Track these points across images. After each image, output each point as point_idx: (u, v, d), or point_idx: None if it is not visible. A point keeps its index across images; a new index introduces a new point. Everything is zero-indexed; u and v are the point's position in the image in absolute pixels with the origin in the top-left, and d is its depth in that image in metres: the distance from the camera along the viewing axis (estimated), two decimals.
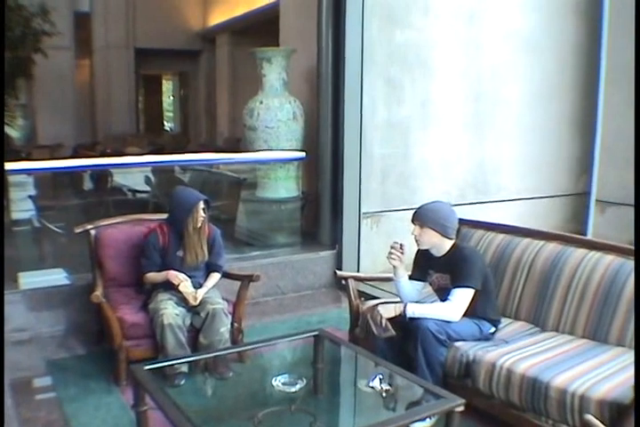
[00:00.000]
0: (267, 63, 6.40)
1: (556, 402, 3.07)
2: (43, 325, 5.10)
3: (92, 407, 3.86)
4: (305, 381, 3.32)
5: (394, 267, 3.91)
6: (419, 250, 3.92)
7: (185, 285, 4.15)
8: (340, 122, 6.09)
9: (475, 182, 6.85)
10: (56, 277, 5.49)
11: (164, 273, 4.22)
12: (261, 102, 6.44)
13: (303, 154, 6.50)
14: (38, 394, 4.12)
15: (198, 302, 4.14)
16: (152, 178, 8.56)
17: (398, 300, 4.08)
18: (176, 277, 4.14)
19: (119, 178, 8.77)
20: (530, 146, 7.09)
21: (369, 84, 6.06)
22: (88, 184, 9.09)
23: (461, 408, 2.84)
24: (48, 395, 4.08)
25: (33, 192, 6.86)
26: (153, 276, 4.26)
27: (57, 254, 6.35)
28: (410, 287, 3.97)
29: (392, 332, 3.62)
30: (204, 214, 4.27)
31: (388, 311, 3.67)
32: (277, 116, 6.37)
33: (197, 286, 4.28)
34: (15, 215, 5.87)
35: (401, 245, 3.85)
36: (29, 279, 5.35)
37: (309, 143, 6.63)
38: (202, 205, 4.27)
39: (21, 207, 6.43)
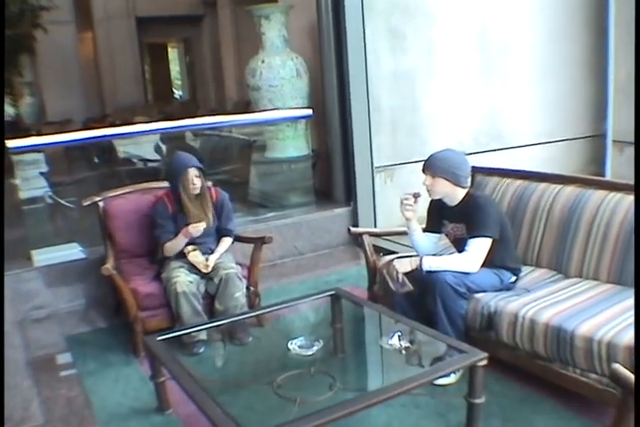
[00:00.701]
0: (265, 20, 6.24)
1: (582, 351, 2.96)
2: (60, 301, 5.07)
3: (111, 380, 3.83)
4: (322, 342, 3.24)
5: (407, 219, 3.79)
6: (432, 201, 3.78)
7: (194, 254, 4.08)
8: (345, 76, 5.93)
9: (488, 129, 6.68)
10: (71, 251, 5.44)
11: (179, 237, 4.12)
12: (263, 61, 6.29)
13: (310, 111, 6.35)
14: (58, 371, 4.06)
15: (210, 268, 4.06)
16: (162, 146, 8.48)
17: (415, 254, 3.98)
18: (187, 231, 4.04)
19: (129, 148, 8.69)
20: (543, 89, 6.88)
21: (371, 35, 5.89)
22: (99, 157, 9.04)
23: (484, 362, 2.75)
24: (68, 371, 4.04)
25: (44, 169, 6.79)
26: (171, 245, 4.15)
27: (71, 229, 6.32)
28: (425, 240, 3.86)
29: (409, 287, 3.52)
30: (196, 181, 4.14)
31: (403, 266, 3.57)
32: (280, 74, 6.23)
33: (209, 251, 4.21)
34: (27, 193, 5.81)
35: (414, 194, 3.70)
36: (44, 256, 5.29)
37: (316, 100, 6.48)
38: (193, 172, 4.13)
39: (33, 185, 6.37)
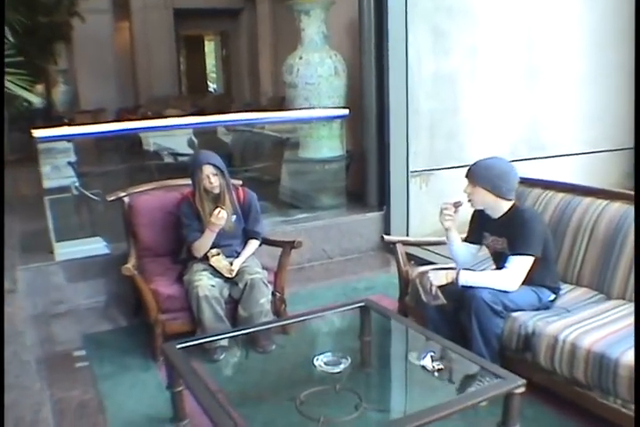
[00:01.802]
0: (305, 16, 6.11)
1: (626, 381, 2.76)
2: (80, 296, 4.99)
3: (127, 386, 3.70)
4: (349, 359, 3.07)
5: (446, 229, 3.62)
6: (475, 210, 3.61)
7: (217, 258, 3.93)
8: (384, 76, 5.77)
9: (528, 137, 6.49)
10: (94, 246, 5.34)
11: (205, 234, 3.95)
12: (301, 58, 6.16)
13: (346, 111, 6.21)
14: (73, 371, 3.94)
15: (235, 273, 3.92)
16: (193, 140, 8.38)
17: (451, 265, 3.82)
18: (211, 224, 3.89)
19: (161, 141, 8.59)
20: (585, 97, 6.67)
21: (414, 35, 5.72)
22: (129, 149, 8.95)
23: (522, 389, 2.56)
24: (83, 372, 3.92)
25: (73, 158, 6.70)
26: (199, 244, 3.99)
27: (95, 223, 6.22)
28: (464, 251, 3.70)
29: (442, 300, 3.35)
30: (213, 180, 3.97)
31: (438, 278, 3.39)
32: (318, 72, 6.10)
33: (234, 254, 4.07)
34: (52, 183, 5.71)
35: (455, 203, 3.53)
36: (66, 250, 5.19)
37: (353, 99, 6.33)
38: (208, 169, 3.96)
39: (60, 174, 6.27)
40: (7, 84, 3.86)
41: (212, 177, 3.96)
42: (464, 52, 6.04)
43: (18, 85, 3.87)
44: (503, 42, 6.20)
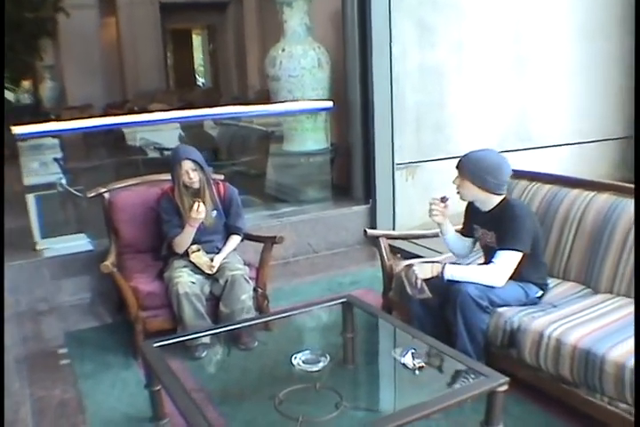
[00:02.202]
0: (287, 8, 6.03)
1: (612, 378, 2.69)
2: (64, 294, 4.95)
3: (107, 384, 3.64)
4: (328, 357, 3.01)
5: (437, 224, 3.56)
6: (468, 202, 3.55)
7: (197, 255, 3.86)
8: (369, 68, 5.69)
9: (516, 128, 6.43)
10: (77, 243, 5.28)
11: (185, 230, 3.88)
12: (283, 50, 6.08)
13: (330, 103, 6.14)
14: (54, 370, 3.87)
15: (215, 269, 3.85)
16: (180, 135, 8.30)
17: (437, 259, 3.79)
18: (191, 220, 3.81)
19: (148, 136, 8.52)
20: (574, 88, 6.62)
21: (398, 27, 5.65)
22: (116, 144, 8.88)
23: (505, 388, 2.50)
24: (64, 371, 3.86)
25: (59, 154, 6.63)
26: (180, 239, 3.92)
27: (79, 219, 6.15)
28: (458, 242, 3.66)
29: (428, 293, 3.27)
30: (193, 175, 3.89)
31: (424, 271, 3.32)
32: (301, 64, 6.01)
33: (215, 250, 4.00)
34: (37, 179, 5.64)
35: (442, 198, 3.46)
36: (49, 246, 5.16)
37: (337, 92, 6.25)
38: (187, 164, 3.88)
39: (46, 171, 6.20)
40: None
41: (191, 172, 3.89)
42: (450, 45, 5.97)
43: None
44: (490, 34, 6.13)
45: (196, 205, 3.78)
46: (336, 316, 3.53)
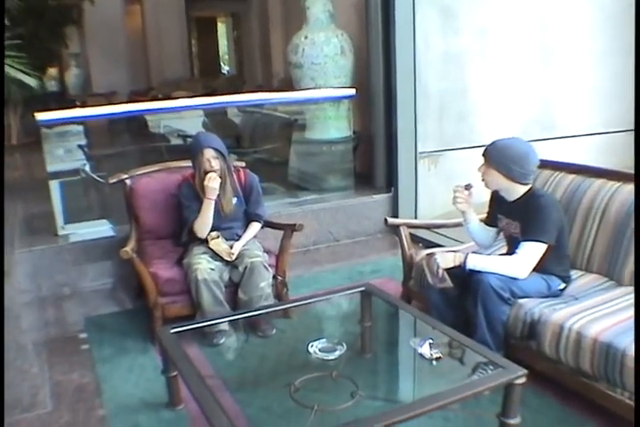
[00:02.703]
0: None
1: (633, 372, 2.64)
2: (85, 279, 4.95)
3: (125, 369, 3.66)
4: (345, 346, 3.00)
5: (461, 212, 3.52)
6: (493, 191, 3.49)
7: (216, 242, 3.86)
8: (391, 56, 5.64)
9: (541, 117, 6.35)
10: (99, 228, 5.29)
11: (203, 207, 3.89)
12: (306, 37, 6.03)
13: (353, 91, 6.08)
14: (73, 354, 3.89)
15: (235, 256, 3.84)
16: (204, 122, 8.30)
17: (459, 248, 3.75)
18: (206, 192, 3.83)
19: (172, 123, 8.53)
20: (600, 77, 6.52)
21: (422, 14, 5.58)
22: (140, 131, 8.89)
23: (523, 380, 2.47)
24: (83, 355, 3.88)
25: (84, 141, 6.66)
26: (200, 220, 3.91)
27: (101, 205, 6.19)
28: (482, 232, 3.61)
29: (449, 283, 3.25)
30: (214, 163, 3.89)
31: (446, 261, 3.29)
32: (324, 52, 5.96)
33: (235, 237, 4.00)
34: (62, 166, 5.67)
35: (466, 186, 3.41)
36: (71, 232, 5.18)
37: (360, 80, 6.21)
38: (209, 153, 3.88)
39: (70, 157, 6.24)
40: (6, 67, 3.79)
41: (212, 160, 3.88)
42: (474, 31, 5.89)
43: (15, 68, 3.79)
44: (515, 21, 6.05)
45: (209, 175, 3.81)
46: (355, 304, 3.51)
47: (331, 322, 3.79)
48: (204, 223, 3.92)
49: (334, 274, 5.03)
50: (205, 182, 3.82)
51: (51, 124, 5.25)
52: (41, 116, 5.01)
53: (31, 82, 3.92)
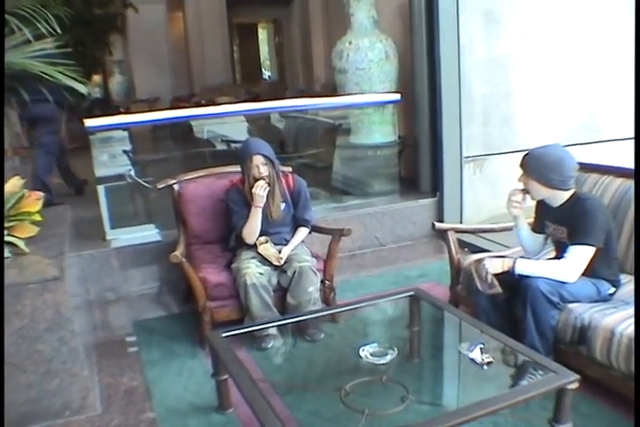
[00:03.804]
0: (354, 1, 6.03)
1: None
2: (132, 283, 5.03)
3: (174, 372, 3.70)
4: (396, 350, 3.00)
5: (513, 216, 3.50)
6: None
7: (265, 247, 3.89)
8: (436, 60, 5.64)
9: (586, 120, 6.29)
10: (146, 233, 5.36)
11: (251, 214, 3.95)
12: (350, 43, 6.06)
13: (398, 96, 6.07)
14: (122, 357, 3.95)
15: (283, 261, 3.88)
16: (247, 127, 8.36)
17: (506, 253, 3.73)
18: (255, 200, 3.89)
19: (215, 129, 8.60)
20: None
21: (465, 18, 5.58)
22: (183, 137, 8.99)
23: (576, 385, 2.46)
24: (132, 358, 3.93)
25: (128, 147, 6.76)
26: (248, 226, 3.96)
27: (148, 210, 6.25)
28: (531, 239, 3.58)
29: (498, 288, 3.25)
30: (263, 169, 3.93)
31: (494, 266, 3.29)
32: (368, 57, 6.00)
33: (284, 242, 4.03)
34: (108, 171, 5.76)
35: (523, 189, 3.36)
36: (118, 237, 5.24)
37: (404, 85, 6.22)
38: (258, 159, 3.92)
39: (115, 163, 6.33)
40: (56, 74, 3.86)
41: (261, 167, 3.92)
42: (517, 36, 5.86)
43: (66, 75, 3.87)
44: (558, 25, 6.00)
45: (258, 182, 3.87)
46: (402, 309, 3.52)
47: (378, 326, 3.80)
48: (251, 230, 3.96)
49: (381, 278, 5.04)
50: (254, 190, 3.87)
51: (97, 130, 5.32)
52: (89, 122, 5.09)
53: (82, 89, 3.98)
